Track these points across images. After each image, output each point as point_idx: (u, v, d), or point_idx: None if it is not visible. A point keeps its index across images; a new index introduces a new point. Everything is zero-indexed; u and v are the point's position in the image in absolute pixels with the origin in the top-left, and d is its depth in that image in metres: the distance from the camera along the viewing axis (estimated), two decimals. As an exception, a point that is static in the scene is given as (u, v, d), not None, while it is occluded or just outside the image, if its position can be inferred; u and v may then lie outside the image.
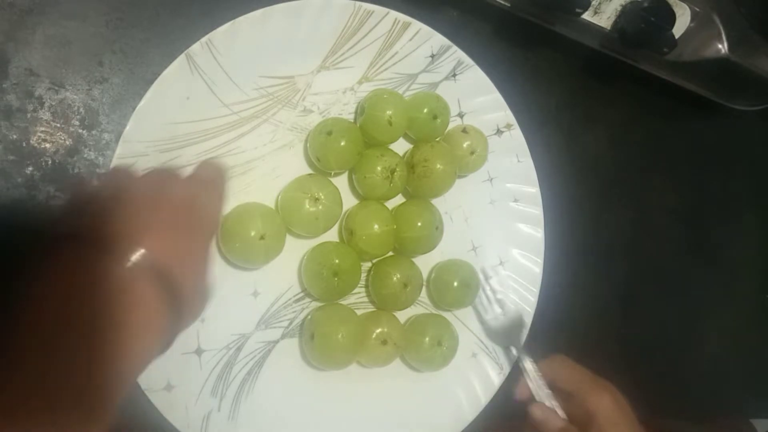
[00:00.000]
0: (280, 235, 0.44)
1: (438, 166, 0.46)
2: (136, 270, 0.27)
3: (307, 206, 0.43)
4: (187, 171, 0.36)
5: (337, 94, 0.48)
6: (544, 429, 0.43)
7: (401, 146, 0.50)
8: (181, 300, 0.29)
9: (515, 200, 0.52)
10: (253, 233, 0.41)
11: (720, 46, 0.52)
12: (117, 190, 0.32)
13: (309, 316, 0.46)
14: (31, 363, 0.24)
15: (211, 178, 0.36)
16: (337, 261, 0.44)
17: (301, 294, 0.47)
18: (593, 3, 0.49)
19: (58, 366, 0.24)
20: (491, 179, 0.52)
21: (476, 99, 0.51)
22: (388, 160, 0.45)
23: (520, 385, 0.47)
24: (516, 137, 0.52)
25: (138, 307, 0.27)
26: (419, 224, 0.46)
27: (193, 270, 0.31)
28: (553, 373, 0.46)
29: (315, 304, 0.47)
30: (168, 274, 0.28)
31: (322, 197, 0.44)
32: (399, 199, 0.49)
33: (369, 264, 0.48)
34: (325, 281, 0.44)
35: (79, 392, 0.24)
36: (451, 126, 0.50)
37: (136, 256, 0.27)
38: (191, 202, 0.32)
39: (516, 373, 0.48)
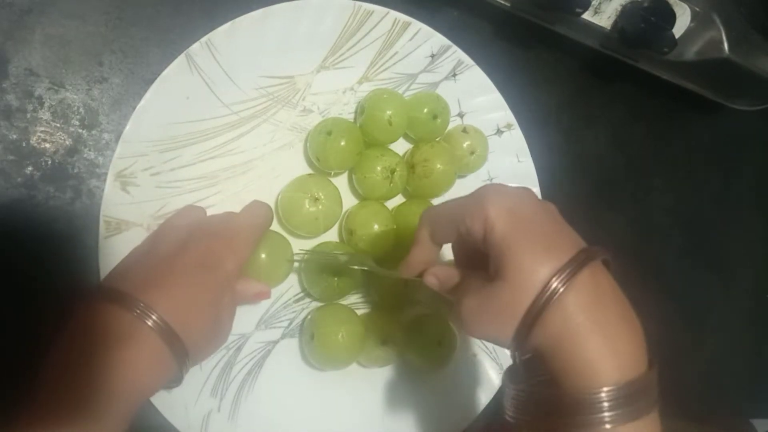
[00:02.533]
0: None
1: (438, 166, 0.46)
2: (143, 321, 0.32)
3: (307, 206, 0.43)
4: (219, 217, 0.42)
5: (337, 93, 0.48)
6: (443, 291, 0.36)
7: (401, 146, 0.50)
8: (185, 347, 0.33)
9: (515, 200, 0.52)
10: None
11: (720, 46, 0.52)
12: (153, 244, 0.39)
13: (309, 317, 0.46)
14: (53, 387, 0.30)
15: (238, 232, 0.40)
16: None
17: (301, 294, 0.47)
18: (593, 3, 0.49)
19: (72, 391, 0.30)
20: (491, 179, 0.52)
21: (476, 99, 0.51)
22: (388, 160, 0.45)
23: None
24: (516, 137, 0.52)
25: (142, 351, 0.32)
26: (419, 224, 0.46)
27: (200, 322, 0.35)
28: (429, 230, 0.36)
29: (315, 304, 0.47)
30: (172, 325, 0.33)
31: (322, 197, 0.44)
32: (399, 199, 0.49)
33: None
34: (325, 281, 0.44)
35: (87, 413, 0.29)
36: (451, 126, 0.50)
37: (145, 309, 0.32)
38: (205, 260, 0.36)
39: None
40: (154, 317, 0.32)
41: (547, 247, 0.29)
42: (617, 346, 0.28)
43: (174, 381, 0.36)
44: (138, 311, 0.32)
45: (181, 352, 0.33)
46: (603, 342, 0.28)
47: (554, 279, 0.28)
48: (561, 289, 0.28)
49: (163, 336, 0.32)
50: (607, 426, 0.27)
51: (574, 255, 0.29)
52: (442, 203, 0.36)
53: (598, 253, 0.30)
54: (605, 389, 0.27)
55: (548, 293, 0.28)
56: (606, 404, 0.27)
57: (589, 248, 0.30)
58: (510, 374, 0.32)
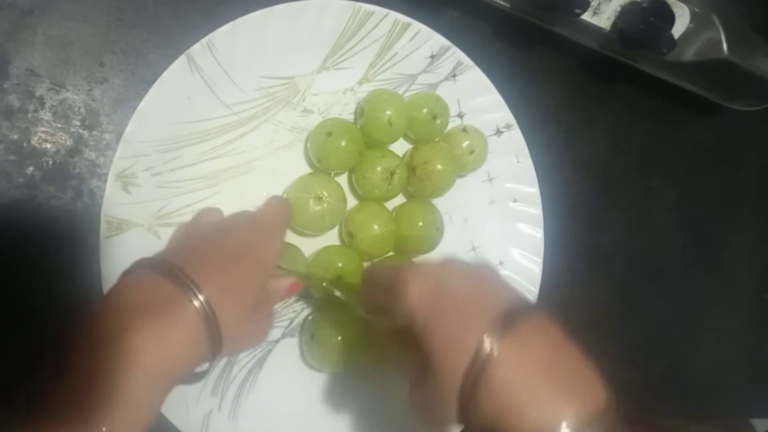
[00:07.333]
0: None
1: (438, 166, 0.46)
2: (190, 299, 0.31)
3: (312, 206, 0.43)
4: (254, 212, 0.42)
5: (337, 94, 0.48)
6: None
7: (401, 146, 0.50)
8: (221, 335, 0.32)
9: (515, 200, 0.52)
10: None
11: (719, 46, 0.52)
12: (189, 233, 0.40)
13: (309, 317, 0.46)
14: (75, 375, 0.28)
15: (271, 223, 0.40)
16: (340, 264, 0.44)
17: (302, 294, 0.47)
18: (592, 3, 0.50)
19: (103, 366, 0.28)
20: (491, 179, 0.52)
21: (476, 99, 0.51)
22: (388, 161, 0.46)
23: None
24: (515, 137, 0.52)
25: (185, 328, 0.30)
26: (420, 224, 0.47)
27: (239, 311, 0.34)
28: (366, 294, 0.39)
29: (315, 304, 0.47)
30: (213, 308, 0.31)
31: (326, 195, 0.44)
32: (400, 199, 0.50)
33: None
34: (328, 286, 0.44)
35: (117, 391, 0.28)
36: (450, 126, 0.50)
37: (194, 287, 0.31)
38: (247, 249, 0.36)
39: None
40: (201, 297, 0.31)
41: (465, 326, 0.28)
42: (569, 399, 0.27)
43: (196, 377, 0.35)
44: (187, 288, 0.31)
45: (216, 339, 0.32)
46: (551, 398, 0.26)
47: (474, 363, 0.27)
48: (482, 373, 0.27)
49: (205, 318, 0.31)
50: None
51: (496, 327, 0.28)
52: (379, 269, 0.38)
53: (526, 311, 0.29)
54: None
55: (468, 384, 0.27)
56: None
57: (514, 309, 0.29)
58: None
